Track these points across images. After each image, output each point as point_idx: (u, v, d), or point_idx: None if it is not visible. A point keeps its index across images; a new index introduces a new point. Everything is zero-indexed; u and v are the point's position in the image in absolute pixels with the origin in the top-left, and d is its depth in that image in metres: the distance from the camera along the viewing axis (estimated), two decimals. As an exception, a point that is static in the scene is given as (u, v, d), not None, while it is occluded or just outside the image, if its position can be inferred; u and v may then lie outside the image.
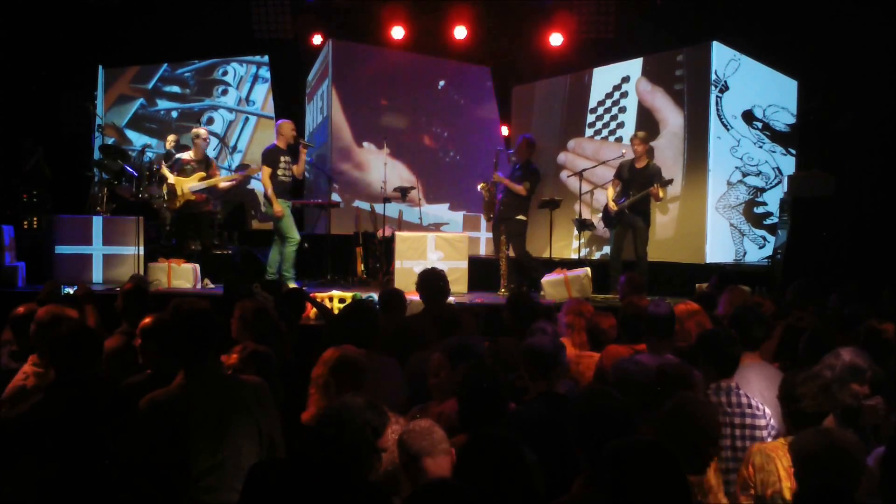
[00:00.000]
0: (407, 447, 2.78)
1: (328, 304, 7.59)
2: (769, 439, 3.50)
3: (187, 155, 8.81)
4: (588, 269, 8.23)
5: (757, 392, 3.77)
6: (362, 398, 2.71)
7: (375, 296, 6.15)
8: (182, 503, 2.94)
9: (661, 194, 8.23)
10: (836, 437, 2.66)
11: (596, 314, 5.07)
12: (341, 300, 7.64)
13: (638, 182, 8.30)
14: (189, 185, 8.59)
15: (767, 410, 3.59)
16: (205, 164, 8.74)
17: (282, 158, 8.37)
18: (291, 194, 8.48)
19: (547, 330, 4.36)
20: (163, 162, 9.55)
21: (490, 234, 11.00)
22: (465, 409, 3.20)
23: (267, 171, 8.25)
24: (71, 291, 6.12)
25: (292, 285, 8.09)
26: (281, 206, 8.27)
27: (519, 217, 8.54)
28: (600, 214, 9.14)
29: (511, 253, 8.70)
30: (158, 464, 2.96)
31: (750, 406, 3.52)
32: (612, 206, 8.41)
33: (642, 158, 8.36)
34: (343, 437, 2.56)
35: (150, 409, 2.99)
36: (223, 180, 9.01)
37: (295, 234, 8.42)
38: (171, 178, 8.64)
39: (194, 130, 9.05)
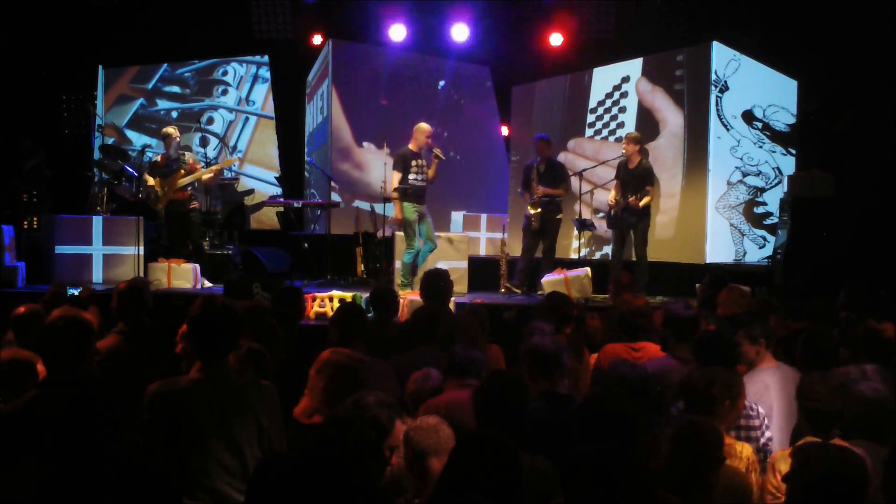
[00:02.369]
0: (412, 444, 2.75)
1: (328, 305, 7.58)
2: (762, 440, 3.50)
3: (159, 157, 8.80)
4: (588, 269, 8.23)
5: (775, 396, 3.75)
6: (374, 395, 2.69)
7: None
8: (182, 501, 2.94)
9: (640, 204, 8.20)
10: (846, 457, 2.62)
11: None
12: (341, 300, 7.63)
13: (630, 182, 8.33)
14: (173, 184, 8.57)
15: (761, 410, 3.59)
16: (178, 162, 8.64)
17: (413, 162, 8.12)
18: (420, 199, 8.14)
19: (545, 330, 4.36)
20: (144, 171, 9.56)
21: (491, 234, 11.04)
22: (481, 411, 3.14)
23: (395, 175, 8.10)
24: (76, 293, 6.11)
25: (404, 293, 7.80)
26: (404, 210, 8.06)
27: (559, 217, 8.66)
28: (601, 214, 9.16)
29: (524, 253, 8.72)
30: (159, 456, 2.96)
31: (744, 407, 3.51)
32: (612, 201, 8.44)
33: (633, 158, 8.39)
34: (345, 438, 2.56)
35: (155, 398, 3.00)
36: (204, 173, 8.86)
37: (414, 243, 8.16)
38: (151, 181, 8.62)
39: (164, 129, 8.98)
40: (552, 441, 3.04)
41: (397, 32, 11.10)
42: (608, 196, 8.65)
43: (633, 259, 8.45)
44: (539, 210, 8.51)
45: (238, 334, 3.21)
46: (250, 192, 12.12)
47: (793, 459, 2.69)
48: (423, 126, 8.23)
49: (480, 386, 3.21)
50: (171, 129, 8.88)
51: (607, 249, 9.37)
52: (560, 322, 4.69)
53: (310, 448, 2.96)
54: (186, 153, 9.01)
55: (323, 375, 3.37)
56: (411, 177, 8.11)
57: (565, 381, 3.70)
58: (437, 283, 5.51)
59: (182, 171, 8.60)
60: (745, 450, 3.19)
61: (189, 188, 8.72)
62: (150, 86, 12.45)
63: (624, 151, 8.41)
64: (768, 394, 3.77)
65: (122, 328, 4.61)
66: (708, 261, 9.47)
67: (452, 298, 7.48)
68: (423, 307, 5.28)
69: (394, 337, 4.90)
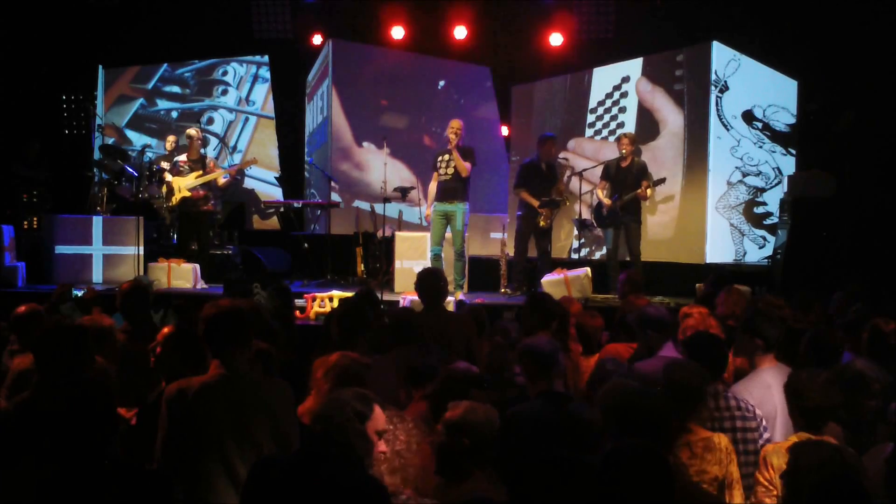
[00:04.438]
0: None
1: (328, 304, 7.59)
2: (761, 441, 3.50)
3: (183, 156, 8.82)
4: (588, 269, 8.24)
5: (778, 396, 3.74)
6: (350, 390, 2.75)
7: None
8: (200, 498, 2.99)
9: (648, 193, 8.26)
10: (840, 456, 2.63)
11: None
12: (341, 300, 7.63)
13: (625, 180, 8.34)
14: (186, 182, 8.59)
15: (758, 411, 3.58)
16: (201, 163, 8.73)
17: (440, 157, 8.06)
18: (442, 195, 8.08)
19: (509, 329, 4.37)
20: (163, 163, 9.58)
21: (490, 234, 11.02)
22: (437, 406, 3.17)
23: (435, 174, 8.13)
24: (80, 294, 6.12)
25: (459, 296, 7.72)
26: (430, 211, 8.05)
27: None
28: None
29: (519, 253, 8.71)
30: (178, 453, 3.02)
31: (739, 408, 3.50)
32: (607, 201, 8.43)
33: (628, 157, 8.40)
34: (331, 431, 2.61)
35: (174, 397, 3.07)
36: (219, 175, 8.96)
37: (434, 244, 8.12)
38: (169, 178, 8.67)
39: (187, 131, 9.03)
40: (550, 440, 3.04)
41: (397, 32, 11.10)
42: (598, 195, 8.66)
43: (628, 259, 8.47)
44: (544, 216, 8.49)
45: (250, 333, 3.29)
46: (249, 192, 12.12)
47: (788, 457, 2.70)
48: (452, 121, 8.13)
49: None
50: (193, 131, 8.91)
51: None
52: (542, 321, 4.65)
53: (301, 448, 2.99)
54: (207, 156, 9.05)
55: (330, 378, 3.38)
56: (438, 172, 8.09)
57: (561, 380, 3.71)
58: (429, 283, 5.46)
59: (200, 172, 8.62)
60: (721, 440, 3.23)
61: (203, 189, 8.72)
62: (150, 86, 12.45)
63: (623, 151, 8.42)
64: (771, 394, 3.75)
65: (126, 327, 4.62)
66: (708, 261, 9.48)
67: (451, 298, 7.50)
68: (397, 310, 5.28)
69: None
